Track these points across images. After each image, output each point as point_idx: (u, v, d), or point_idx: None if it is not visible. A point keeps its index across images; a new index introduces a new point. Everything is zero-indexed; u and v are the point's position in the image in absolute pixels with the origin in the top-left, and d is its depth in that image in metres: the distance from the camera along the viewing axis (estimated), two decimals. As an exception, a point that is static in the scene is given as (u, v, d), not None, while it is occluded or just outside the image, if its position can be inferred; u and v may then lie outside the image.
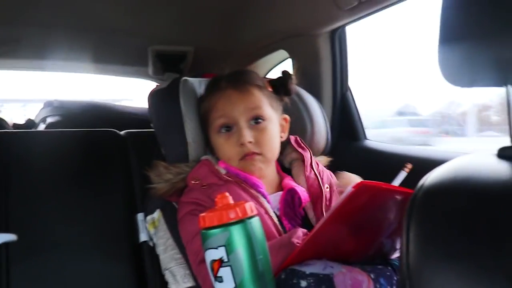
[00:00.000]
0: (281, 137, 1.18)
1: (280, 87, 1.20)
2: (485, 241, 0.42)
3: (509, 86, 0.52)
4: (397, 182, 0.98)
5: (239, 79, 1.14)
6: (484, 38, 0.50)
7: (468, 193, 0.47)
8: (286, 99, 1.23)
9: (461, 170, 0.51)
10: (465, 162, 0.53)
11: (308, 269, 0.80)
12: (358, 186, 0.73)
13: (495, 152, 0.54)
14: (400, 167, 1.01)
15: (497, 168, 0.49)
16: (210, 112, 1.13)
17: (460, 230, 0.44)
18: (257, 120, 1.10)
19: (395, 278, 0.88)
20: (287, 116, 1.21)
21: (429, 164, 0.86)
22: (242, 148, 1.08)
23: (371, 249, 0.91)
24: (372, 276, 0.83)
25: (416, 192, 0.50)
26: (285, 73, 1.23)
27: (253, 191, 1.07)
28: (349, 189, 0.74)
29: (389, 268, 0.90)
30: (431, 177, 0.51)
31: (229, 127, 1.10)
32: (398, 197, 0.78)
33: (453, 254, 0.44)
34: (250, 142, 1.07)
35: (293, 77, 1.23)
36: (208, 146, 1.18)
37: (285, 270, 0.81)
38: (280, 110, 1.19)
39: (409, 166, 0.99)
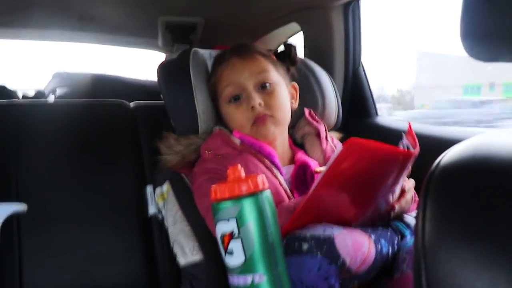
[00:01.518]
0: (292, 103, 1.17)
1: (284, 57, 1.21)
2: (504, 220, 0.41)
3: None
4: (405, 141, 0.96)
5: (242, 49, 1.14)
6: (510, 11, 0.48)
7: (488, 171, 0.45)
8: (293, 69, 1.23)
9: (481, 147, 0.49)
10: (485, 139, 0.51)
11: (308, 232, 0.81)
12: (348, 144, 0.73)
13: None
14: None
15: None
16: (218, 84, 1.13)
17: (479, 209, 0.43)
18: (264, 84, 1.09)
19: (396, 238, 0.89)
20: (295, 84, 1.20)
21: (443, 143, 0.85)
22: (253, 112, 1.08)
23: (369, 210, 0.91)
24: (372, 237, 0.84)
25: (433, 169, 0.49)
26: (287, 44, 1.24)
27: (267, 162, 1.07)
28: (339, 148, 0.74)
29: (390, 229, 0.90)
30: (448, 155, 0.49)
31: (238, 96, 1.10)
32: (391, 156, 0.79)
33: (471, 233, 0.42)
34: (260, 104, 1.07)
35: (296, 47, 1.23)
36: (219, 118, 1.17)
37: (286, 236, 0.82)
38: (288, 77, 1.19)
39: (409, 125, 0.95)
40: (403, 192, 0.97)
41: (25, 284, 1.17)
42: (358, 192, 0.85)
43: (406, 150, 0.83)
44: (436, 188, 0.47)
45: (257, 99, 1.07)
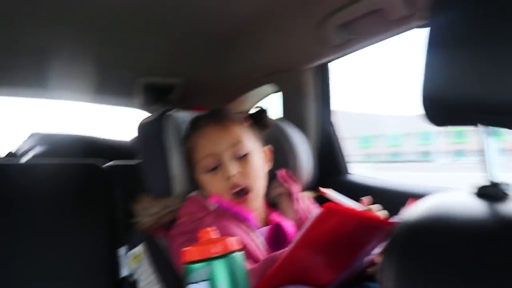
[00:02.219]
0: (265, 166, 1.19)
1: (256, 120, 1.24)
2: (464, 277, 0.43)
3: (480, 126, 0.54)
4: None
5: (217, 116, 1.16)
6: (460, 76, 0.52)
7: (447, 231, 0.47)
8: (265, 131, 1.26)
9: (438, 207, 0.52)
10: (442, 199, 0.54)
11: None
12: (324, 210, 0.73)
13: (474, 190, 0.55)
14: (385, 201, 1.02)
15: (473, 206, 0.50)
16: (194, 152, 1.14)
17: (440, 267, 0.45)
18: (240, 155, 1.11)
19: None
20: (269, 146, 1.23)
21: (410, 197, 0.87)
22: (229, 181, 1.09)
23: (345, 273, 0.91)
24: None
25: (395, 229, 0.51)
26: (259, 109, 1.27)
27: (244, 226, 1.07)
28: (315, 213, 0.74)
29: None
30: (409, 215, 0.52)
31: (215, 166, 1.11)
32: (368, 223, 0.79)
33: None
34: (235, 174, 1.09)
35: (267, 111, 1.27)
36: (194, 183, 1.18)
37: None
38: (260, 141, 1.21)
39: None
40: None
41: None
42: (335, 256, 0.86)
43: (386, 220, 0.83)
44: (399, 247, 0.49)
45: (233, 170, 1.09)
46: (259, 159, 1.16)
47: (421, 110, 0.57)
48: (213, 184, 1.11)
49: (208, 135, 1.12)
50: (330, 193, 1.02)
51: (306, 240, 0.78)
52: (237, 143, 1.11)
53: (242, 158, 1.11)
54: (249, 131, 1.18)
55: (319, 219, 0.74)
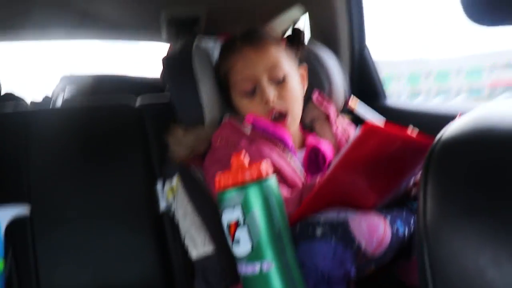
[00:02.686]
0: (302, 86, 1.17)
1: (293, 40, 1.20)
2: (506, 194, 0.39)
3: None
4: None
5: (254, 37, 1.12)
6: None
7: (489, 144, 0.43)
8: (301, 53, 1.21)
9: (482, 119, 0.47)
10: (488, 110, 0.49)
11: (322, 217, 0.80)
12: (365, 129, 0.70)
13: None
14: (425, 125, 0.97)
15: None
16: (230, 74, 1.11)
17: (481, 185, 0.41)
18: (278, 78, 1.08)
19: (412, 219, 0.87)
20: (304, 66, 1.19)
21: (450, 120, 0.83)
22: (267, 105, 1.07)
23: (388, 196, 0.89)
24: (388, 218, 0.82)
25: (434, 145, 0.47)
26: (295, 29, 1.23)
27: (281, 148, 1.06)
28: (356, 133, 0.71)
29: (406, 209, 0.88)
30: (449, 129, 0.48)
31: (252, 90, 1.08)
32: (412, 145, 0.75)
33: (473, 209, 0.41)
34: (274, 98, 1.06)
35: (304, 31, 1.22)
36: (230, 107, 1.16)
37: (299, 222, 0.80)
38: (297, 61, 1.17)
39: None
40: None
41: (42, 286, 1.18)
42: (379, 180, 0.83)
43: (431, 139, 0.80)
44: (436, 164, 0.46)
45: (272, 93, 1.06)
46: (296, 81, 1.12)
47: (463, 8, 0.50)
48: (251, 108, 1.09)
49: (245, 57, 1.09)
50: (358, 108, 0.97)
51: (346, 162, 0.76)
52: (275, 66, 1.08)
53: (281, 82, 1.08)
54: (286, 52, 1.14)
55: (360, 140, 0.71)
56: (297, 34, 1.22)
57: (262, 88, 1.06)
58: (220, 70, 1.15)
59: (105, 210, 1.27)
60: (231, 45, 1.13)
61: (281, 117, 1.08)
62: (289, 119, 1.08)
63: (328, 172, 0.78)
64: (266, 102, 1.06)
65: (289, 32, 1.24)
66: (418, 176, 0.89)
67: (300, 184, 1.01)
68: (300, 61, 1.20)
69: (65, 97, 1.98)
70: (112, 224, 1.27)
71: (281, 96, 1.07)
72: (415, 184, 0.92)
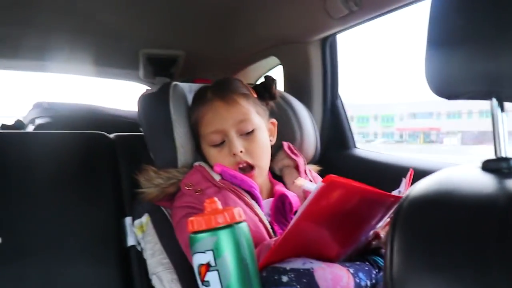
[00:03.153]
0: (271, 140, 1.19)
1: (264, 92, 1.23)
2: (466, 253, 0.43)
3: (494, 100, 0.53)
4: (401, 190, 0.95)
5: (224, 89, 1.15)
6: (470, 49, 0.51)
7: (451, 205, 0.47)
8: (272, 103, 1.25)
9: (445, 182, 0.52)
10: (450, 174, 0.53)
11: (288, 265, 0.81)
12: (327, 181, 0.72)
13: (479, 164, 0.54)
14: (389, 176, 1.02)
15: (481, 181, 0.50)
16: (200, 125, 1.14)
17: (441, 243, 0.45)
18: (246, 131, 1.11)
19: (374, 272, 0.89)
20: (274, 120, 1.22)
21: (417, 174, 0.87)
22: (234, 158, 1.10)
23: (350, 248, 0.91)
24: (351, 270, 0.84)
25: (401, 203, 0.51)
26: (268, 78, 1.26)
27: (247, 198, 1.08)
28: (318, 185, 0.74)
29: (367, 263, 0.91)
30: (415, 189, 0.51)
31: (221, 142, 1.11)
32: (371, 198, 0.79)
33: (435, 265, 0.44)
34: (241, 151, 1.09)
35: (276, 81, 1.25)
36: (200, 153, 1.18)
37: (266, 268, 0.82)
38: (267, 115, 1.21)
39: (410, 173, 0.96)
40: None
41: None
42: (341, 231, 0.86)
43: (391, 194, 0.84)
44: (403, 221, 0.49)
45: (239, 147, 1.09)
46: (265, 134, 1.16)
47: (428, 83, 0.56)
48: (219, 159, 1.12)
49: (214, 110, 1.12)
50: (305, 184, 1.01)
51: (310, 213, 0.78)
52: (243, 120, 1.11)
53: (248, 134, 1.12)
54: (256, 104, 1.17)
55: (322, 192, 0.74)
56: (269, 83, 1.25)
57: (230, 141, 1.10)
58: (191, 118, 1.18)
59: (70, 242, 1.24)
60: (203, 96, 1.16)
61: (248, 168, 1.11)
62: (256, 171, 1.12)
63: (292, 222, 0.81)
64: (234, 154, 1.09)
65: (261, 80, 1.27)
66: (377, 228, 0.93)
67: (265, 234, 1.03)
68: (272, 111, 1.24)
69: (37, 123, 1.95)
70: (77, 257, 1.24)
71: (249, 149, 1.11)
72: (375, 236, 0.96)
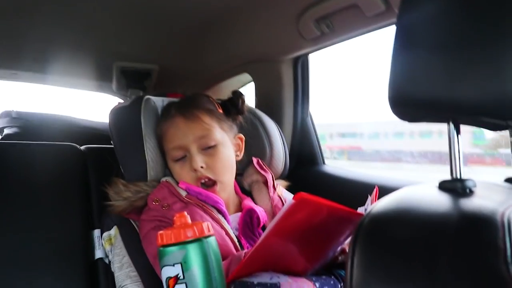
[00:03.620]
0: (237, 155, 1.21)
1: (231, 107, 1.25)
2: (422, 268, 0.45)
3: (451, 124, 0.57)
4: (367, 207, 0.98)
5: (187, 106, 1.17)
6: (431, 76, 0.54)
7: (408, 223, 0.50)
8: (240, 118, 1.27)
9: (404, 200, 0.54)
10: (409, 192, 0.56)
11: (256, 279, 0.83)
12: (297, 199, 0.74)
13: (436, 184, 0.57)
14: (357, 192, 1.05)
15: (437, 200, 0.53)
16: (164, 140, 1.16)
17: (400, 257, 0.47)
18: (207, 147, 1.13)
19: (339, 286, 0.92)
20: (241, 135, 1.24)
21: (382, 191, 0.91)
22: (195, 173, 1.11)
23: (318, 263, 0.94)
24: (317, 285, 0.87)
25: (362, 220, 0.53)
26: (235, 93, 1.28)
27: (213, 212, 1.09)
28: (288, 203, 0.76)
29: (333, 277, 0.93)
30: (376, 206, 0.54)
31: (183, 156, 1.13)
32: (337, 215, 0.82)
33: (393, 279, 0.47)
34: (202, 167, 1.11)
35: (244, 96, 1.27)
36: (167, 168, 1.19)
37: (234, 282, 0.83)
38: (234, 130, 1.22)
39: (376, 190, 1.00)
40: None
41: None
42: (309, 246, 0.88)
43: (357, 212, 0.87)
44: (363, 237, 0.52)
45: (199, 162, 1.11)
46: (229, 150, 1.17)
47: (390, 106, 0.59)
48: (181, 174, 1.13)
49: (176, 126, 1.14)
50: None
51: (280, 229, 0.80)
52: (204, 136, 1.13)
53: (210, 150, 1.13)
54: (221, 119, 1.19)
55: (292, 209, 0.76)
56: (236, 98, 1.27)
57: (191, 156, 1.11)
58: (157, 133, 1.19)
59: (36, 255, 1.23)
60: (167, 112, 1.18)
61: (209, 184, 1.12)
62: (218, 186, 1.13)
63: (262, 237, 0.83)
64: (195, 170, 1.11)
65: (229, 95, 1.29)
66: (344, 244, 0.96)
67: (232, 248, 1.04)
68: (242, 127, 1.26)
69: (5, 132, 1.92)
70: (43, 270, 1.22)
71: (210, 164, 1.12)
72: (342, 251, 0.98)
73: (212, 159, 1.12)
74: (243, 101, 1.27)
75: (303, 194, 0.75)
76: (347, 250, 0.97)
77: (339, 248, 0.96)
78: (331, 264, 0.99)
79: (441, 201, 0.52)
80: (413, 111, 0.58)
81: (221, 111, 1.22)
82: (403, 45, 0.57)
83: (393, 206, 0.53)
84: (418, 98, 0.56)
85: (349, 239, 0.93)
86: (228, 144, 1.17)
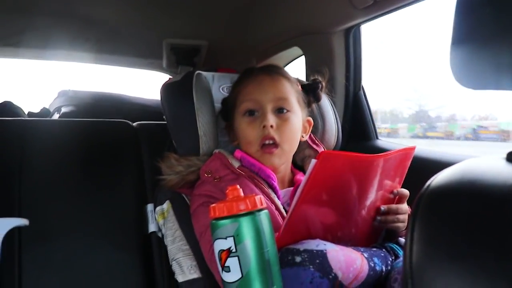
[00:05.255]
0: (302, 136, 1.19)
1: (310, 91, 1.23)
2: (487, 243, 0.42)
3: None
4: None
5: (273, 68, 1.17)
6: (495, 40, 0.50)
7: (472, 195, 0.47)
8: (313, 105, 1.25)
9: (467, 172, 0.51)
10: (473, 164, 0.53)
11: (302, 246, 0.83)
12: (320, 156, 0.78)
13: (504, 156, 0.53)
14: (413, 167, 1.01)
15: (504, 171, 0.49)
16: (238, 95, 1.15)
17: (463, 232, 0.44)
18: (281, 109, 1.11)
19: (390, 258, 0.90)
20: (311, 120, 1.22)
21: (438, 166, 0.87)
22: (263, 131, 1.09)
23: (353, 218, 0.94)
24: (365, 255, 0.86)
25: (422, 192, 0.50)
26: (317, 81, 1.25)
27: (264, 186, 1.08)
28: (313, 162, 0.78)
29: (383, 250, 0.92)
30: (437, 179, 0.51)
31: (253, 111, 1.11)
32: (363, 163, 0.85)
33: (455, 255, 0.44)
34: (271, 126, 1.08)
35: (323, 84, 1.25)
36: (229, 133, 1.20)
37: (280, 249, 0.83)
38: (306, 111, 1.20)
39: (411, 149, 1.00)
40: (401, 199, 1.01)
41: None
42: (341, 202, 0.89)
43: (378, 154, 0.87)
44: (424, 210, 0.49)
45: (271, 121, 1.09)
46: (298, 123, 1.15)
47: (453, 74, 0.55)
48: (247, 130, 1.11)
49: (259, 82, 1.13)
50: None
51: (311, 188, 0.81)
52: (283, 98, 1.11)
53: (283, 114, 1.11)
54: (299, 93, 1.17)
55: (317, 168, 0.78)
56: (316, 85, 1.24)
57: (264, 113, 1.09)
58: (230, 93, 1.19)
59: (93, 227, 1.27)
60: (249, 72, 1.17)
61: (271, 145, 1.10)
62: (278, 151, 1.10)
63: (294, 202, 0.83)
64: (264, 127, 1.08)
65: (309, 81, 1.27)
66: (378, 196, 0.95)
67: (281, 222, 1.03)
68: (312, 112, 1.25)
69: (62, 111, 1.99)
70: (99, 242, 1.27)
71: (279, 127, 1.10)
72: (377, 211, 0.98)
73: (283, 123, 1.10)
74: (321, 90, 1.25)
75: (324, 151, 0.82)
76: (381, 208, 0.96)
77: (369, 202, 0.95)
78: (377, 237, 0.98)
79: (509, 173, 0.49)
80: (478, 78, 0.54)
81: (299, 87, 1.20)
82: (466, 10, 0.53)
83: (456, 177, 0.50)
84: (483, 62, 0.52)
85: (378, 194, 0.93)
86: (299, 118, 1.15)
